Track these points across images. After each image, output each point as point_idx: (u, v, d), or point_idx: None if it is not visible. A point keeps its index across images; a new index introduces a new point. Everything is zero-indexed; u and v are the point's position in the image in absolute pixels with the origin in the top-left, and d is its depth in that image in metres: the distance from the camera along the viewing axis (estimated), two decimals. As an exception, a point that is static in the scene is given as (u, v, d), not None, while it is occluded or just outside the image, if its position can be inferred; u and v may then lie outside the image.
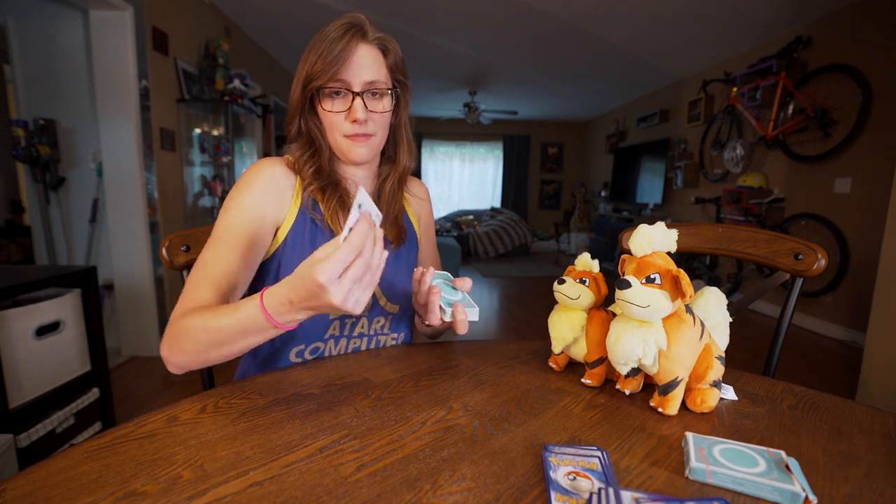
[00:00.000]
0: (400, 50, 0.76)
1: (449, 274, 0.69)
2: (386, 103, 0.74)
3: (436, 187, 7.88)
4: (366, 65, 0.70)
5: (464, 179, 7.96)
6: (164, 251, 0.80)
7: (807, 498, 0.37)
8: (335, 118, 0.71)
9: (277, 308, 0.51)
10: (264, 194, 0.71)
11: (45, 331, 1.33)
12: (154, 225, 2.50)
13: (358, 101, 0.70)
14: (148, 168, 2.42)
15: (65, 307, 1.40)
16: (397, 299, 0.81)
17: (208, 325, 0.56)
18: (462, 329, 0.64)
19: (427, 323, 0.65)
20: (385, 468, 0.42)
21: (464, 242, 6.00)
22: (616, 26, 3.41)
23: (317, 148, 0.76)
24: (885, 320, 1.84)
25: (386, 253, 0.50)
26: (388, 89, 0.73)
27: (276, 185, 0.73)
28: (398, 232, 0.81)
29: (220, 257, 0.66)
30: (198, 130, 2.94)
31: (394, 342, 0.83)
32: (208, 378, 0.84)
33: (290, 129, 0.77)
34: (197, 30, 2.92)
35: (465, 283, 0.68)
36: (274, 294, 0.51)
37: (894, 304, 1.81)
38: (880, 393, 1.86)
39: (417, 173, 7.64)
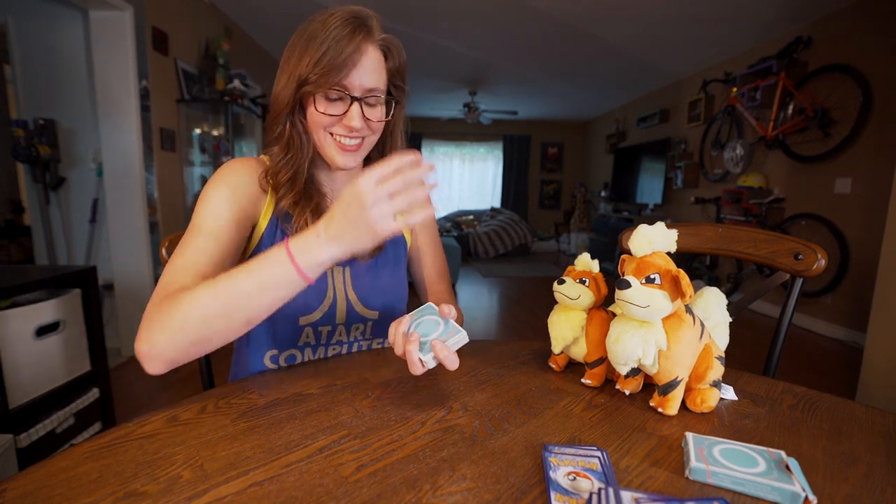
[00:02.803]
0: (404, 52, 0.71)
1: (432, 305, 0.60)
2: (382, 111, 0.69)
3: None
4: (370, 69, 0.65)
5: (464, 179, 7.95)
6: (163, 251, 0.80)
7: (807, 498, 0.37)
8: (327, 119, 0.66)
9: (303, 245, 0.49)
10: (238, 192, 0.66)
11: (45, 331, 1.33)
12: (154, 225, 2.49)
13: (356, 107, 0.65)
14: (148, 168, 2.42)
15: (65, 307, 1.40)
16: (375, 306, 0.78)
17: (218, 291, 0.50)
18: (451, 365, 0.52)
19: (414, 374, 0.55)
20: (385, 468, 0.42)
21: (464, 242, 6.00)
22: (616, 26, 3.41)
23: (295, 152, 0.70)
24: (886, 320, 1.84)
25: (429, 175, 0.50)
26: (386, 98, 0.69)
27: (248, 186, 0.68)
28: None
29: (203, 248, 0.60)
30: (198, 130, 2.94)
31: (379, 347, 0.81)
32: (208, 378, 0.84)
33: (275, 130, 0.69)
34: (197, 30, 2.92)
35: (450, 311, 0.57)
36: (301, 235, 0.50)
37: (894, 304, 1.81)
38: (880, 393, 1.86)
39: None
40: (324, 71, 0.62)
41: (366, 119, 0.67)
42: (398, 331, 0.56)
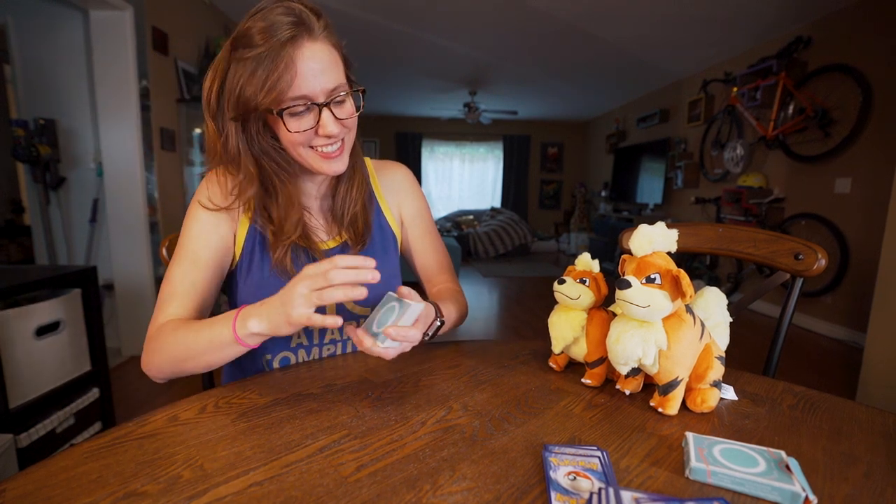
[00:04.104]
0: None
1: (391, 293, 0.61)
2: (351, 105, 0.65)
3: (436, 187, 7.88)
4: (325, 68, 0.59)
5: (464, 179, 7.95)
6: (163, 251, 0.80)
7: (807, 498, 0.37)
8: (303, 136, 0.62)
9: (245, 313, 0.55)
10: (214, 214, 0.68)
11: (45, 331, 1.33)
12: (154, 225, 2.49)
13: (326, 114, 0.61)
14: (148, 168, 2.42)
15: (65, 307, 1.40)
16: (367, 302, 0.76)
17: (178, 340, 0.59)
18: (413, 340, 0.55)
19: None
20: (385, 468, 0.42)
21: (464, 242, 6.00)
22: (616, 26, 3.41)
23: (254, 175, 0.67)
24: (886, 320, 1.84)
25: (363, 291, 0.51)
26: (351, 91, 0.64)
27: (223, 203, 0.69)
28: (357, 234, 0.75)
29: (186, 274, 0.66)
30: (198, 130, 2.94)
31: None
32: (208, 378, 0.84)
33: (221, 154, 0.67)
34: (197, 30, 2.92)
35: (408, 292, 0.59)
36: (252, 305, 0.56)
37: (894, 304, 1.81)
38: (880, 393, 1.86)
39: (417, 174, 7.54)
40: (279, 91, 0.58)
41: (339, 121, 0.63)
42: (354, 331, 0.56)
